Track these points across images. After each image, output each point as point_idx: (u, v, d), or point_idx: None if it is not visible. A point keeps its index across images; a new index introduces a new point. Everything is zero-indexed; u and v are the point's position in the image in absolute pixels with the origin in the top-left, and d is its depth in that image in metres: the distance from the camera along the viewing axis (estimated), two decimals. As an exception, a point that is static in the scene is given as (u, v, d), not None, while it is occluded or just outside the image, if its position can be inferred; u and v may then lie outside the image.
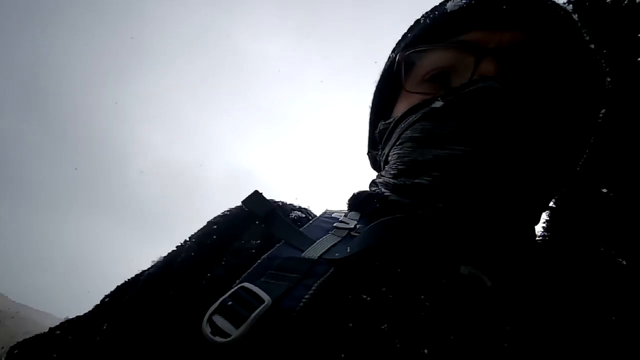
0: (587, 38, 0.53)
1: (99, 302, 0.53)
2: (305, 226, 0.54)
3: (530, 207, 0.50)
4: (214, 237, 0.55)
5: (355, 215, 0.56)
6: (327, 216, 0.57)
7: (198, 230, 0.57)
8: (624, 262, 0.50)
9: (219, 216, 0.58)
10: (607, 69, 0.54)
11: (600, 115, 0.55)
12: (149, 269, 0.55)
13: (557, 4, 0.53)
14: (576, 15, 0.53)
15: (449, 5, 0.54)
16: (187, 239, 0.57)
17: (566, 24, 0.52)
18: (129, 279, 0.55)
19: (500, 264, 0.45)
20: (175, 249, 0.56)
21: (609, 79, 0.54)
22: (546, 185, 0.51)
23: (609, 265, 0.49)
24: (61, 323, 0.53)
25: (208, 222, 0.58)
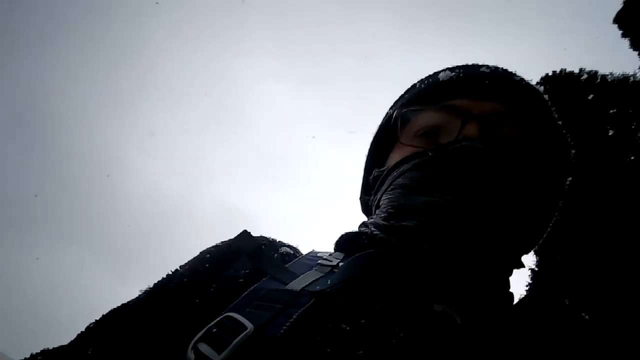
0: (556, 115, 0.62)
1: (83, 329, 0.54)
2: (291, 262, 0.58)
3: (502, 255, 0.55)
4: (207, 265, 0.58)
5: (339, 255, 0.59)
6: (313, 255, 0.61)
7: (191, 259, 0.60)
8: (587, 317, 0.55)
9: (212, 247, 0.62)
10: (572, 143, 0.62)
11: (567, 183, 0.63)
12: (138, 295, 0.57)
13: (531, 85, 0.62)
14: (547, 95, 0.62)
15: (441, 75, 0.63)
16: (180, 267, 0.60)
17: (538, 102, 0.61)
18: (116, 307, 0.57)
19: (471, 305, 0.50)
20: (166, 275, 0.59)
21: (573, 151, 0.62)
22: (517, 236, 0.57)
23: (573, 318, 0.54)
24: (43, 350, 0.54)
25: (201, 252, 0.61)
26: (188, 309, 0.51)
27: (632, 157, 6.35)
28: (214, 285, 0.54)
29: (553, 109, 0.62)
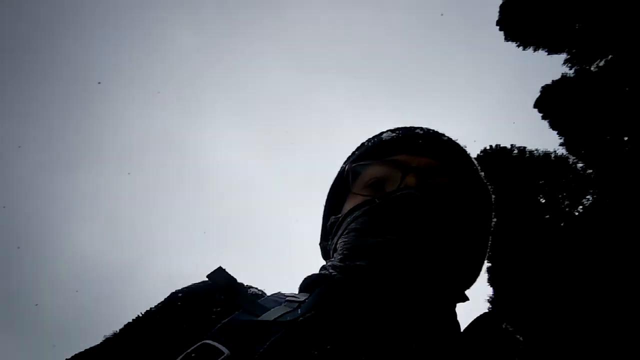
0: (477, 167, 0.75)
1: None
2: (261, 300, 0.62)
3: (442, 285, 0.63)
4: (179, 303, 0.61)
5: (304, 294, 0.64)
6: (280, 295, 0.66)
7: (164, 299, 0.63)
8: (521, 339, 0.63)
9: (183, 288, 0.65)
10: (492, 190, 0.74)
11: (492, 223, 0.74)
12: (106, 337, 0.59)
13: (457, 143, 0.75)
14: (470, 153, 0.75)
15: (385, 135, 0.75)
16: (152, 307, 0.62)
17: (462, 157, 0.74)
18: (93, 345, 0.58)
19: (422, 332, 0.56)
20: (139, 315, 0.61)
21: (494, 197, 0.74)
22: (453, 269, 0.65)
23: (509, 339, 0.62)
24: None
25: (172, 292, 0.64)
26: (162, 342, 0.54)
27: (562, 224, 6.97)
28: (186, 323, 0.57)
29: (475, 162, 0.75)
